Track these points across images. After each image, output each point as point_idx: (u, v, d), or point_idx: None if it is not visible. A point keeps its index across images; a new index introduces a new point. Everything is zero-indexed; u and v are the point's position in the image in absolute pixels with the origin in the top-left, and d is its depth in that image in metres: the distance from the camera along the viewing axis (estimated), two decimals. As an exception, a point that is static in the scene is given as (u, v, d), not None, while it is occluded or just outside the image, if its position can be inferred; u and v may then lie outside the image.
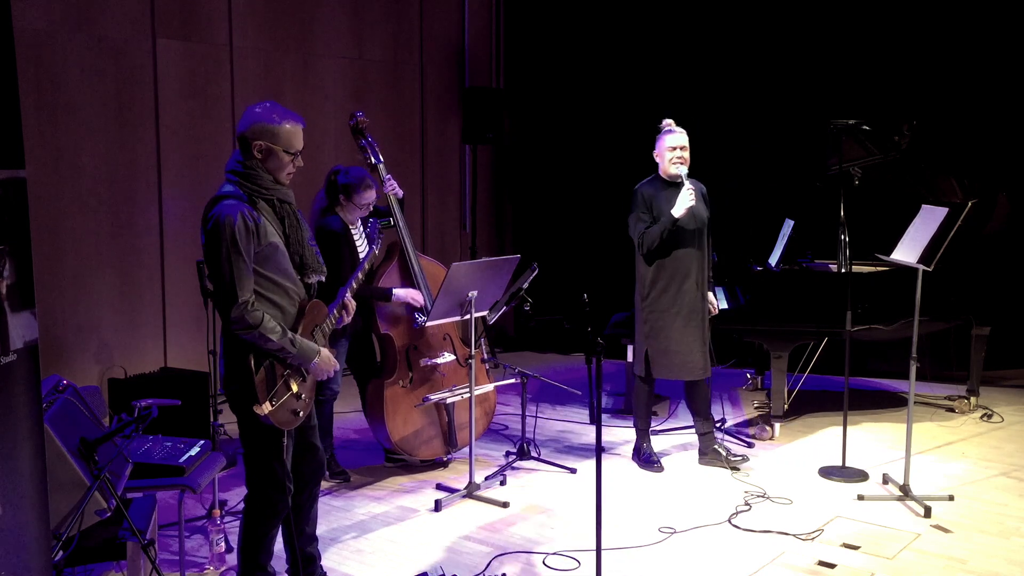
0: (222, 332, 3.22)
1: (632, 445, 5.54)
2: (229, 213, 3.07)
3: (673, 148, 4.96)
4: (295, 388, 3.25)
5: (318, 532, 3.99)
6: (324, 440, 4.98)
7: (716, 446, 5.23)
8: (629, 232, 5.03)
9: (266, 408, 3.13)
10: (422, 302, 5.01)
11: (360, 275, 3.58)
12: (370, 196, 4.81)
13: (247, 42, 6.89)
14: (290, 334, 3.17)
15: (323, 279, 3.41)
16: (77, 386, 3.43)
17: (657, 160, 5.05)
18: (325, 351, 3.32)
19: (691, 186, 4.85)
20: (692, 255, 4.99)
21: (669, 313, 4.98)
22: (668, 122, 5.06)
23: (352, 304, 3.49)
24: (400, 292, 4.97)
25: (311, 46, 7.33)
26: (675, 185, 4.97)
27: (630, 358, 6.35)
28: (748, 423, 6.04)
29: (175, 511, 4.00)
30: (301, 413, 3.29)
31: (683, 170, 4.92)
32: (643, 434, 5.29)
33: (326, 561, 3.99)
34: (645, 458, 5.22)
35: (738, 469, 5.12)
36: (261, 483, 3.31)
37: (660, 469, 5.16)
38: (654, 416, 6.26)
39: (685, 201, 4.83)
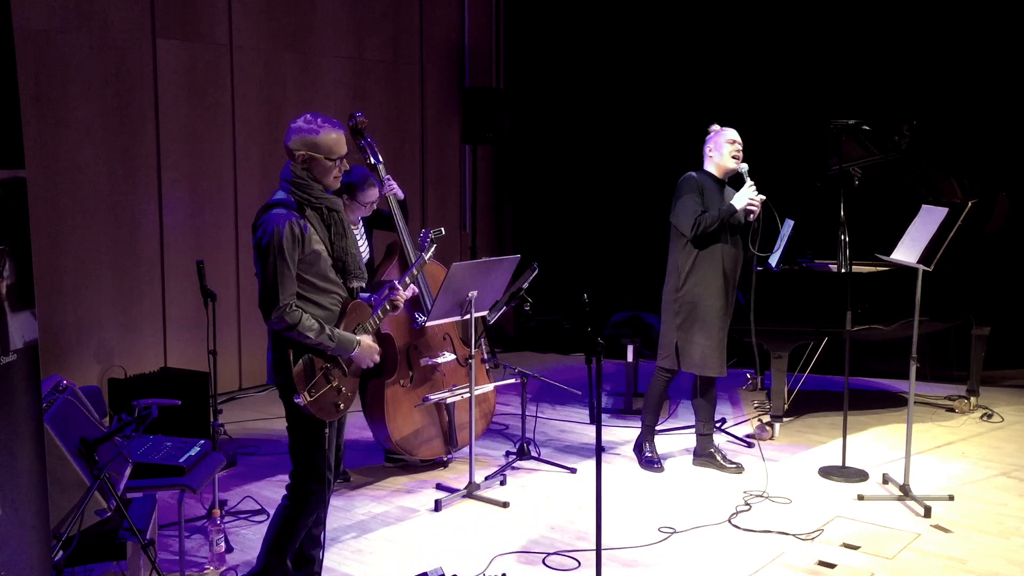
0: (269, 329, 3.38)
1: (632, 444, 5.53)
2: (278, 223, 3.24)
3: (733, 141, 4.90)
4: (335, 382, 3.39)
5: (318, 532, 4.00)
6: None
7: (712, 449, 5.21)
8: (672, 217, 4.92)
9: (304, 399, 3.28)
10: (417, 291, 5.01)
11: (408, 279, 3.71)
12: (373, 194, 4.82)
13: (247, 42, 6.89)
14: (328, 329, 3.31)
15: (363, 285, 3.56)
16: (77, 386, 3.44)
17: (711, 155, 4.94)
18: (366, 340, 3.45)
19: (752, 182, 4.82)
20: (729, 253, 4.92)
21: (702, 305, 4.90)
22: (716, 126, 4.99)
23: (401, 300, 3.62)
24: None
25: (311, 46, 7.32)
26: (720, 185, 4.94)
27: (630, 358, 6.36)
28: (748, 423, 6.04)
29: (175, 511, 4.00)
30: (342, 406, 3.43)
31: (744, 166, 4.89)
32: (649, 431, 5.24)
33: (327, 561, 3.98)
34: (647, 458, 5.20)
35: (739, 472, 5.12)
36: (302, 474, 3.43)
37: (660, 470, 5.15)
38: (654, 416, 6.27)
39: (748, 195, 4.80)
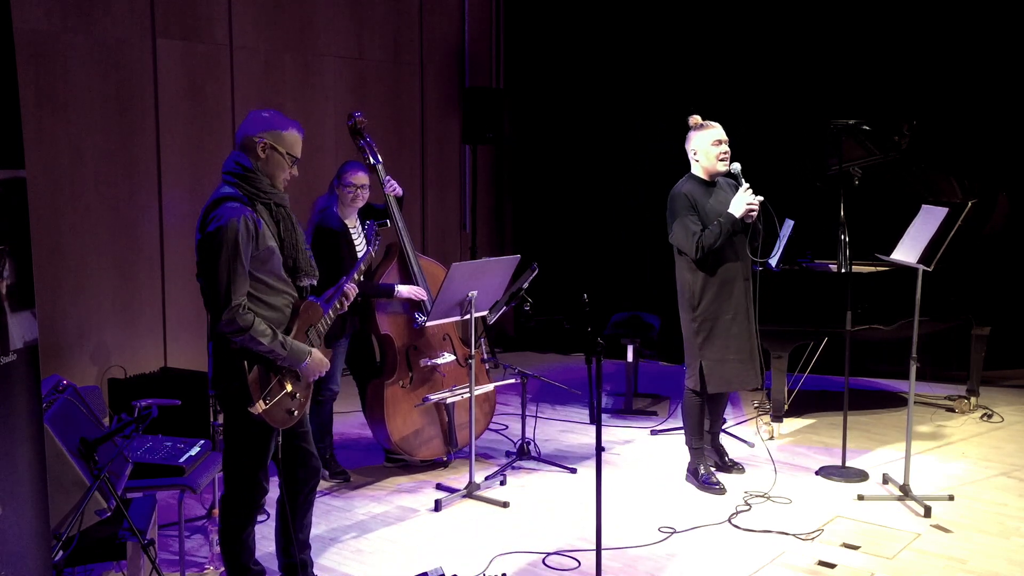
0: (210, 331, 3.24)
1: (635, 446, 5.55)
2: (232, 216, 3.10)
3: (719, 142, 4.60)
4: (289, 388, 3.27)
5: (318, 532, 4.00)
6: (324, 440, 5.00)
7: (708, 450, 5.17)
8: (671, 239, 4.67)
9: (259, 407, 3.15)
10: (426, 296, 5.02)
11: (356, 275, 3.60)
12: (359, 177, 4.81)
13: (247, 42, 6.89)
14: (280, 336, 3.18)
15: (315, 283, 3.45)
16: (77, 386, 3.43)
17: (697, 159, 4.67)
18: (316, 352, 3.33)
19: (747, 183, 4.56)
20: (739, 255, 4.69)
21: (724, 319, 4.65)
22: (696, 117, 4.69)
23: (353, 291, 3.53)
24: (403, 288, 4.97)
25: (311, 46, 7.32)
26: (711, 186, 4.68)
27: (630, 358, 6.36)
28: (748, 423, 6.04)
29: (175, 511, 4.00)
30: (296, 413, 3.31)
31: (736, 166, 4.61)
32: (698, 454, 4.92)
33: (326, 561, 4.00)
34: (704, 480, 4.87)
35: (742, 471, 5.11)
36: (239, 481, 3.33)
37: (723, 492, 4.80)
38: (653, 416, 6.27)
39: (745, 200, 4.52)
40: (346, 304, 3.53)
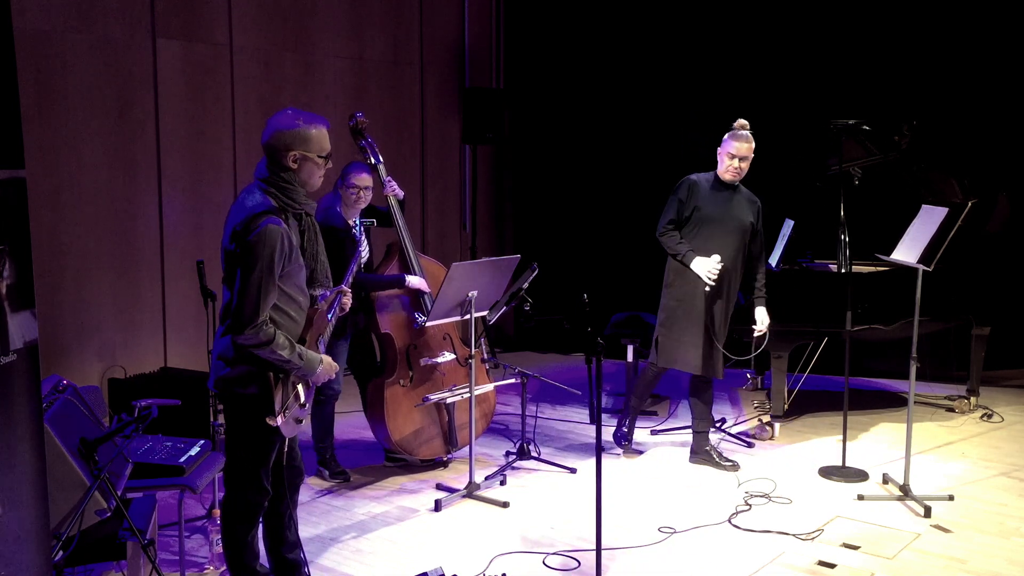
0: (225, 330, 3.19)
1: (632, 444, 5.54)
2: (273, 234, 3.05)
3: (732, 156, 4.80)
4: (301, 395, 3.29)
5: (318, 532, 4.00)
6: (324, 440, 5.01)
7: (708, 447, 5.21)
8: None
9: (279, 420, 3.16)
10: (429, 289, 5.03)
11: (351, 278, 3.59)
12: (362, 179, 4.82)
13: (247, 42, 6.89)
14: (298, 348, 3.18)
15: (328, 294, 3.43)
16: (77, 386, 3.44)
17: (718, 159, 4.92)
18: (327, 358, 3.34)
19: (719, 260, 4.80)
20: (725, 253, 4.89)
21: (687, 303, 4.95)
22: (741, 123, 4.87)
23: (348, 299, 3.47)
24: (412, 279, 4.98)
25: (311, 46, 7.32)
26: (727, 189, 4.90)
27: (630, 358, 6.36)
28: (748, 423, 6.04)
29: (175, 511, 4.00)
30: (303, 421, 3.33)
31: (738, 185, 4.91)
32: (632, 412, 5.38)
33: (326, 561, 3.99)
34: (619, 434, 5.30)
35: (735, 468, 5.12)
36: (243, 486, 3.31)
37: (626, 449, 5.22)
38: (654, 416, 6.27)
39: (708, 267, 4.81)
40: (346, 309, 3.50)
